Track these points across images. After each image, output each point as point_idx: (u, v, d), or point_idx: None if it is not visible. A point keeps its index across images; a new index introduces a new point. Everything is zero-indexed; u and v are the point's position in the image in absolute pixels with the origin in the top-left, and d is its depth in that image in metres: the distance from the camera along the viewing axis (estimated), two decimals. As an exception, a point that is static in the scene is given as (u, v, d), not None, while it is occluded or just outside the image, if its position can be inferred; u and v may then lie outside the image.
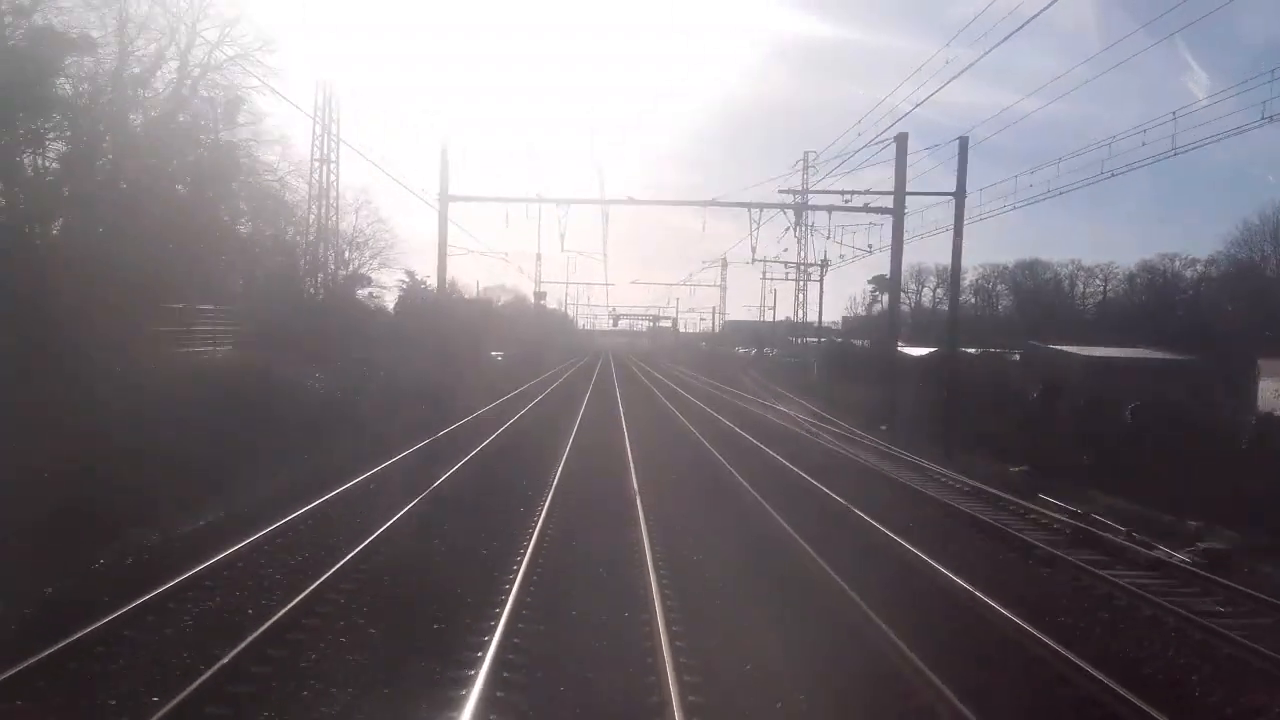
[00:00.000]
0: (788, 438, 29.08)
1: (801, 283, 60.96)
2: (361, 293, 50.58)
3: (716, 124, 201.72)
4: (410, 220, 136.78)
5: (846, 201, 30.03)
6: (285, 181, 37.06)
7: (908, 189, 29.43)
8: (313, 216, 37.92)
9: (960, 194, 28.01)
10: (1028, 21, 21.60)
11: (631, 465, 20.29)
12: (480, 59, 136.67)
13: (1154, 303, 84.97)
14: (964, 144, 27.85)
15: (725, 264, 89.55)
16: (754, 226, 31.00)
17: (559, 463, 20.31)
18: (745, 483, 18.57)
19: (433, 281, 74.12)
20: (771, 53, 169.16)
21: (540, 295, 78.17)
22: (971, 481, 20.38)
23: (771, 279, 66.42)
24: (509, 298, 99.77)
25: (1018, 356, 59.01)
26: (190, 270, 26.84)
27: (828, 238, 31.21)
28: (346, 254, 49.17)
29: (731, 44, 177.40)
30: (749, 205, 30.91)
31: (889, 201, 29.59)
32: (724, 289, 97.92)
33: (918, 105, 31.03)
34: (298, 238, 37.73)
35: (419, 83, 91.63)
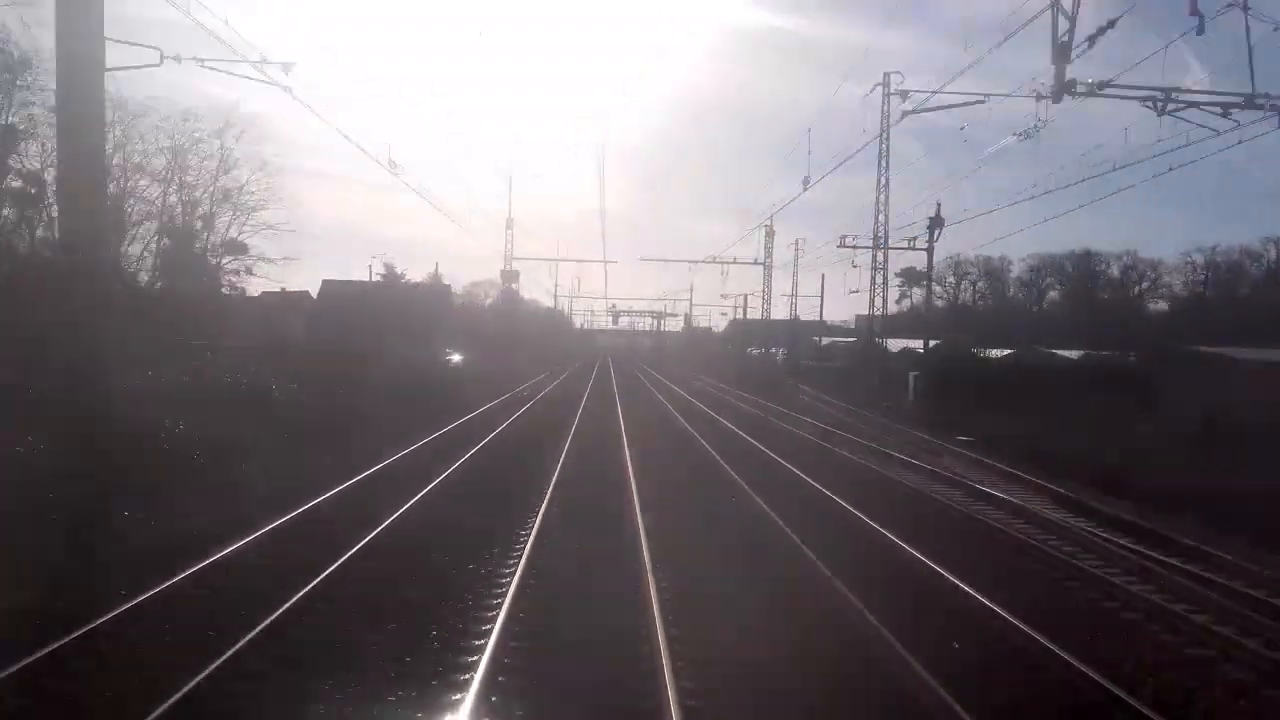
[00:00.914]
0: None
1: (878, 256, 43.30)
2: (234, 265, 37.55)
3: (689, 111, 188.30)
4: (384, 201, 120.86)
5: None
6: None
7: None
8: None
9: None
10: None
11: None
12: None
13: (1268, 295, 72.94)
14: None
15: (771, 231, 67.08)
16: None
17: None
18: None
19: (414, 277, 55.31)
20: (740, 43, 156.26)
21: (511, 275, 60.42)
22: None
23: (855, 245, 44.48)
24: (498, 294, 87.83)
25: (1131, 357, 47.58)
26: None
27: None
28: (209, 208, 35.32)
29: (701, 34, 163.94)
30: None
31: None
32: (769, 267, 69.86)
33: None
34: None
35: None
